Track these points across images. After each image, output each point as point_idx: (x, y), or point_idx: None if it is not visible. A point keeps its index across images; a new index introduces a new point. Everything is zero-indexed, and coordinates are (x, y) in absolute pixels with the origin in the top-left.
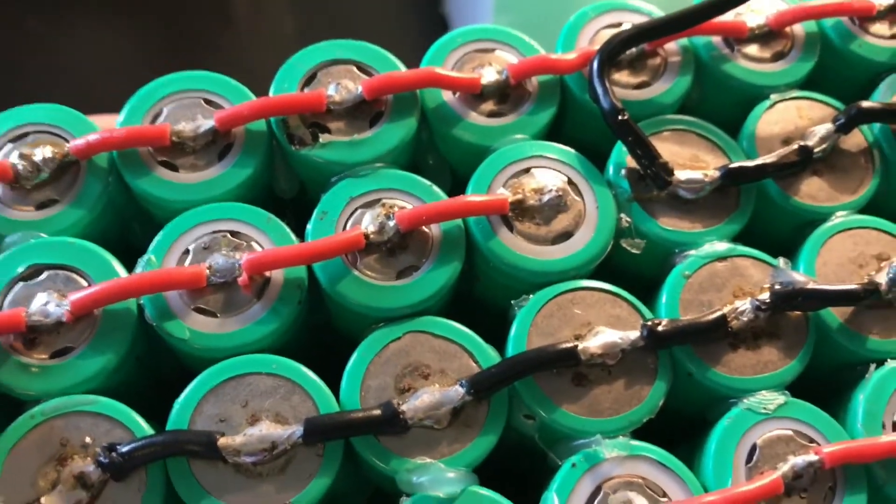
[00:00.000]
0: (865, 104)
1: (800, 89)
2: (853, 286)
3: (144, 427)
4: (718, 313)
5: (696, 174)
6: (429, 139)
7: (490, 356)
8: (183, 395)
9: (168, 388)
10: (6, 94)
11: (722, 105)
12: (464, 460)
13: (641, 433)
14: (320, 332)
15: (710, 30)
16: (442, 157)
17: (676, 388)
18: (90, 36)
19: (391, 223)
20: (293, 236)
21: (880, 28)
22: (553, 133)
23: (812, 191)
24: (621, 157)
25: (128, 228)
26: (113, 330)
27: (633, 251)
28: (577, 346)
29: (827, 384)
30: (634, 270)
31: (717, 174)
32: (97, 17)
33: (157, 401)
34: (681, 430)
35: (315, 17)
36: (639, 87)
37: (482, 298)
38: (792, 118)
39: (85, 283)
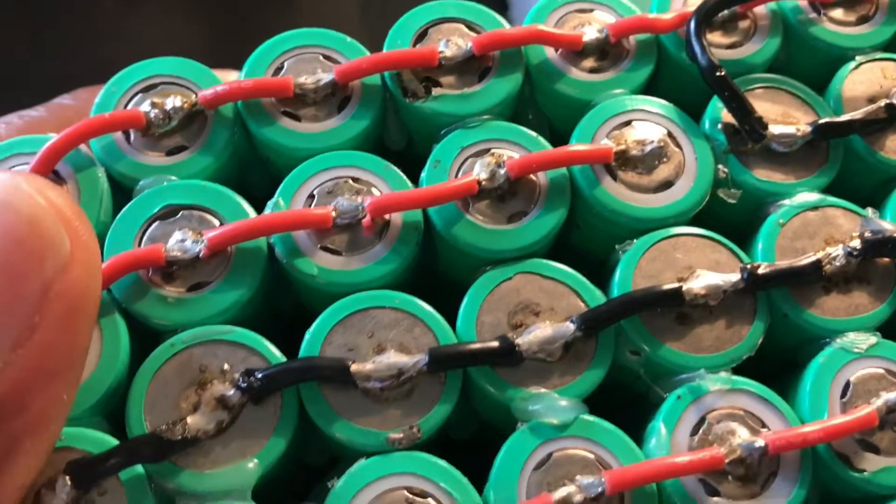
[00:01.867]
0: None
1: (883, 51)
2: None
3: (278, 355)
4: (814, 258)
5: (789, 129)
6: (530, 95)
7: (597, 296)
8: (313, 326)
9: (286, 323)
10: (82, 70)
11: (808, 66)
12: (575, 391)
13: (737, 372)
14: (424, 275)
15: None
16: (542, 112)
17: (772, 330)
18: (160, 19)
19: (501, 171)
20: (409, 183)
21: None
22: (648, 91)
23: None
24: (717, 112)
25: (246, 178)
26: (245, 266)
27: (730, 201)
28: (681, 287)
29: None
30: (727, 220)
31: (808, 129)
32: (167, 3)
33: (277, 335)
34: (771, 372)
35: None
36: (731, 46)
37: (580, 246)
38: (877, 78)
39: (217, 223)
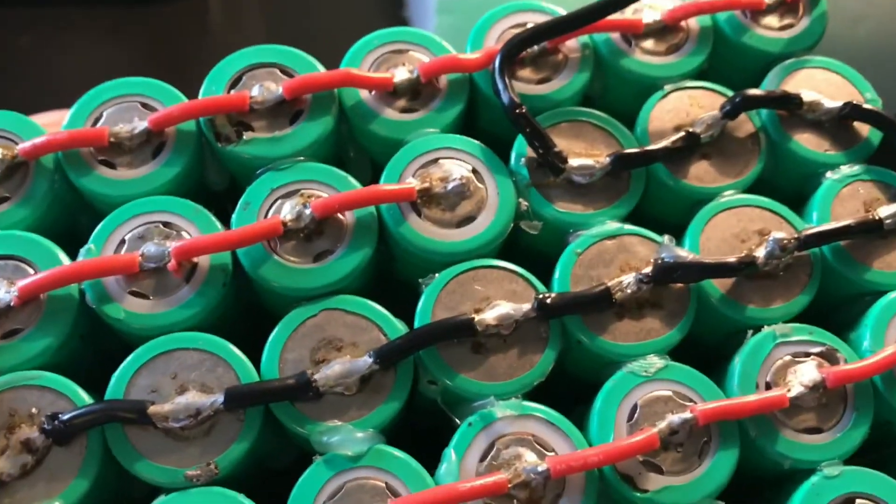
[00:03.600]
0: (750, 92)
1: (694, 79)
2: (729, 259)
3: (85, 398)
4: (603, 286)
5: (588, 161)
6: (349, 133)
7: (397, 329)
8: (118, 370)
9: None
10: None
11: (623, 96)
12: (371, 423)
13: (546, 398)
14: (253, 310)
15: (607, 27)
16: (362, 149)
17: (571, 356)
18: (80, 51)
19: (307, 211)
20: (219, 225)
21: (770, 20)
22: (468, 126)
23: (699, 173)
24: (522, 148)
25: (76, 221)
26: (57, 313)
27: (532, 232)
28: (473, 318)
29: (715, 351)
30: (538, 251)
31: (607, 160)
32: (85, 35)
33: (107, 374)
34: (583, 394)
35: (284, 24)
36: (541, 82)
37: (400, 277)
38: (684, 106)
39: (32, 272)
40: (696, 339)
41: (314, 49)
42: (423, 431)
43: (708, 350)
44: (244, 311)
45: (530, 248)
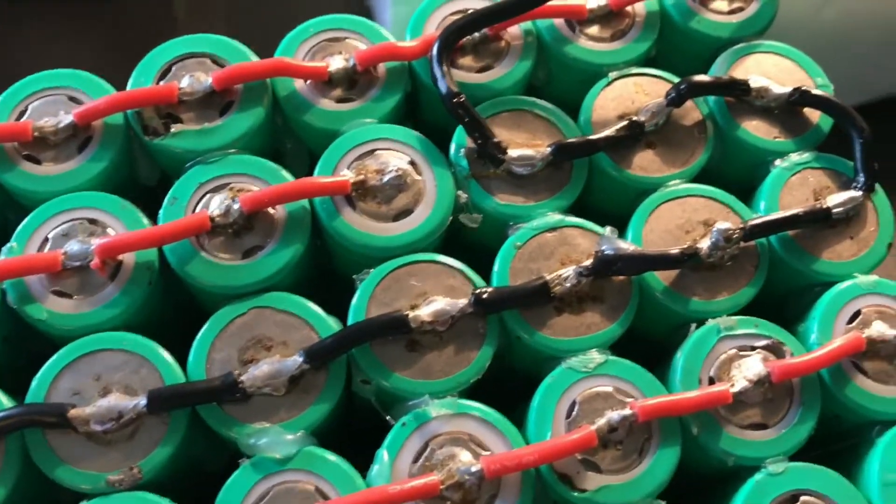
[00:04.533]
0: (696, 78)
1: (641, 66)
2: (672, 250)
3: (5, 402)
4: (541, 280)
5: (528, 151)
6: (284, 124)
7: (330, 327)
8: (39, 373)
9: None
10: None
11: (568, 84)
12: (301, 424)
13: (493, 394)
14: (185, 308)
15: (550, 13)
16: (299, 140)
17: (513, 351)
18: (40, 45)
19: (236, 206)
20: (146, 221)
21: (719, 4)
22: (410, 116)
23: (644, 163)
24: (462, 138)
25: (5, 218)
26: None
27: (472, 225)
28: (407, 315)
29: (660, 345)
30: (480, 243)
31: (548, 151)
32: (46, 28)
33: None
34: (531, 390)
35: (248, 14)
36: (481, 70)
37: (340, 273)
38: (629, 94)
39: None
40: (641, 333)
41: (277, 40)
42: (361, 432)
43: (653, 344)
44: (175, 309)
45: (472, 241)
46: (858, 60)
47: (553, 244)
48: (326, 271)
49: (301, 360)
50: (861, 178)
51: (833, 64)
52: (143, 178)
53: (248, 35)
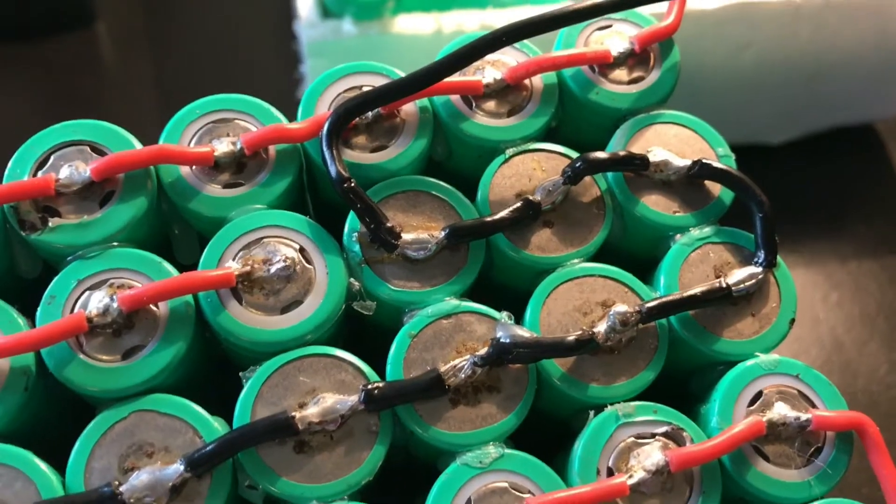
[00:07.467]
0: (592, 155)
1: (539, 141)
2: (566, 338)
3: None
4: (434, 373)
5: (422, 235)
6: (171, 210)
7: (215, 430)
8: None
9: None
10: None
11: (467, 160)
12: None
13: (399, 485)
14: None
15: (446, 90)
16: (187, 224)
17: (410, 443)
18: None
19: (114, 305)
20: (21, 322)
21: (619, 74)
22: (310, 189)
23: (541, 242)
24: (356, 223)
25: None
26: None
27: (366, 313)
28: (293, 416)
29: (565, 429)
30: (382, 326)
31: (441, 234)
32: None
33: None
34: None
35: (175, 57)
36: (375, 150)
37: (236, 365)
38: (527, 171)
39: None
40: (546, 416)
41: (208, 81)
42: None
43: (558, 427)
44: (64, 404)
45: (374, 327)
46: (780, 100)
47: (449, 331)
48: (224, 361)
49: (182, 468)
50: (762, 254)
51: (756, 104)
52: (23, 271)
53: (175, 73)
